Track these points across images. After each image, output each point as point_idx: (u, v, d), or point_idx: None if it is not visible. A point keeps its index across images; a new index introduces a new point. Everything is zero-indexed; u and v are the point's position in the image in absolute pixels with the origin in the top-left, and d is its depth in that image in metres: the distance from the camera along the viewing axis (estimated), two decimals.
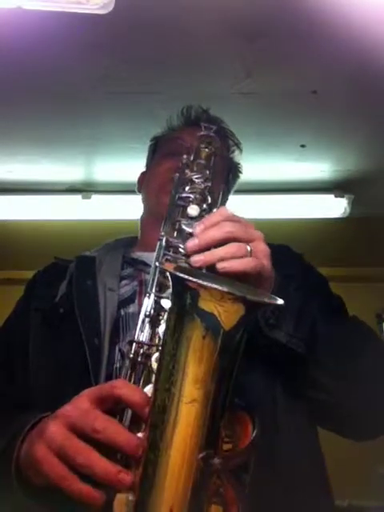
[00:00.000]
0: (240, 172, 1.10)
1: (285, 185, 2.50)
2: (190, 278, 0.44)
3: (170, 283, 0.49)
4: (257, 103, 1.85)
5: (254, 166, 2.30)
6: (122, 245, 1.00)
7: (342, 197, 2.52)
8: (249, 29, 1.47)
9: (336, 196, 2.52)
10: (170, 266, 0.52)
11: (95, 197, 2.54)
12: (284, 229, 2.53)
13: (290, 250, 0.95)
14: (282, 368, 0.73)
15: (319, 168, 2.37)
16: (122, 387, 0.52)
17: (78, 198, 2.53)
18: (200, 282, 0.44)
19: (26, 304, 0.90)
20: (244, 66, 1.64)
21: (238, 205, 2.40)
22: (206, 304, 0.43)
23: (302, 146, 2.16)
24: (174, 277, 0.47)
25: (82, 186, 2.52)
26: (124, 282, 0.88)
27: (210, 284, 0.44)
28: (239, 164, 1.09)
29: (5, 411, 0.74)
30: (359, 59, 1.52)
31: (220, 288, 0.43)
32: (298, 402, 0.75)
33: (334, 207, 2.57)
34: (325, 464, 0.79)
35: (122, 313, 0.82)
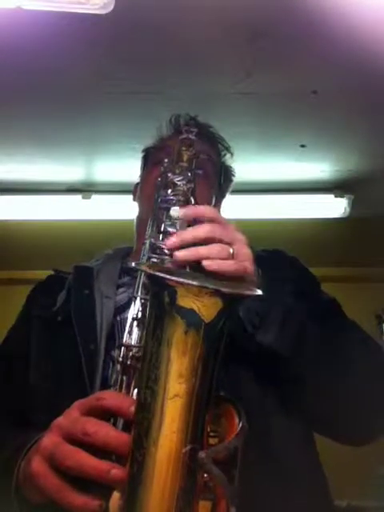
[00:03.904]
0: (233, 175, 1.10)
1: (285, 185, 2.50)
2: (165, 276, 0.44)
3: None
4: (257, 103, 1.85)
5: (254, 165, 2.30)
6: (121, 255, 1.01)
7: (342, 197, 2.52)
8: (249, 29, 1.47)
9: (336, 196, 2.53)
10: (146, 266, 0.53)
11: (95, 197, 2.54)
12: (284, 229, 2.53)
13: (284, 255, 0.95)
14: (271, 372, 0.72)
15: (319, 168, 2.37)
16: (108, 398, 0.52)
17: (78, 197, 2.53)
18: (175, 278, 0.44)
19: (27, 312, 0.92)
20: (244, 66, 1.64)
21: (238, 205, 2.42)
22: (184, 300, 0.44)
23: (302, 146, 2.16)
24: (150, 276, 0.48)
25: (82, 186, 2.52)
26: (121, 289, 0.90)
27: (185, 280, 0.44)
28: (231, 168, 1.09)
29: (7, 422, 0.76)
30: (359, 59, 1.52)
31: (195, 283, 0.44)
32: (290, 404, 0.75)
33: (334, 207, 2.57)
34: (320, 463, 0.79)
35: (118, 319, 0.83)
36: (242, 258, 0.60)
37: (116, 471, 0.48)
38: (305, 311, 0.73)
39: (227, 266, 0.57)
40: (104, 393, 0.56)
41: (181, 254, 0.56)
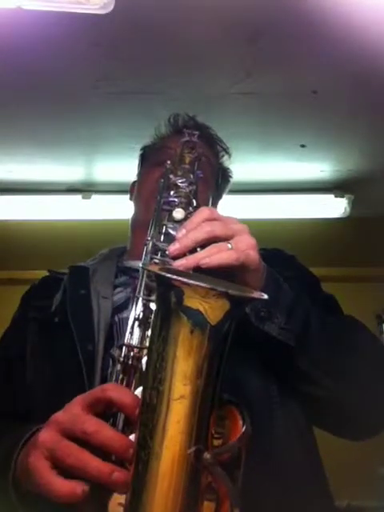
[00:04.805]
0: (230, 176, 1.10)
1: (285, 185, 2.50)
2: (174, 277, 0.45)
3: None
4: (257, 103, 1.85)
5: (254, 165, 2.30)
6: (116, 254, 1.01)
7: (342, 197, 2.53)
8: (249, 29, 1.47)
9: (336, 196, 2.53)
10: (154, 267, 0.53)
11: (95, 197, 2.54)
12: (284, 229, 2.53)
13: (283, 253, 0.96)
14: (276, 363, 0.73)
15: (319, 168, 2.37)
16: (113, 389, 0.52)
17: (78, 197, 2.53)
18: (183, 279, 0.44)
19: (22, 314, 0.91)
20: (244, 66, 1.64)
21: (239, 205, 2.42)
22: (191, 301, 0.44)
23: (302, 146, 2.16)
24: (158, 277, 0.48)
25: (82, 186, 2.52)
26: (118, 289, 0.89)
27: (192, 281, 0.44)
28: (228, 169, 1.09)
29: (5, 422, 0.76)
30: (359, 59, 1.52)
31: (202, 285, 0.44)
32: (294, 401, 0.76)
33: (334, 207, 2.58)
34: (322, 464, 0.79)
35: (116, 319, 0.83)
36: (244, 248, 0.60)
37: (118, 474, 0.48)
38: (310, 303, 0.74)
39: (227, 256, 0.57)
40: (108, 384, 0.56)
41: (180, 264, 0.56)
